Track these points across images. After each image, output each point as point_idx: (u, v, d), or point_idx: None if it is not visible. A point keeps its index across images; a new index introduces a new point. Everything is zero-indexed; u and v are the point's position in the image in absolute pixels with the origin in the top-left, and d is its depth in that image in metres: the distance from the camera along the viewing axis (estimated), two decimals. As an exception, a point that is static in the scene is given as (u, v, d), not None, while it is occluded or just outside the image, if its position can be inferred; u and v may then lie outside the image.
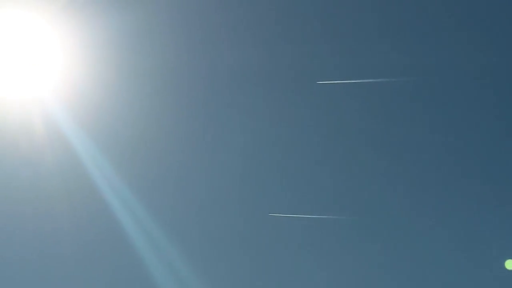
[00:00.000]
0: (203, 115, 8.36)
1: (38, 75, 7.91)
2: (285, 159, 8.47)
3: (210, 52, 8.14)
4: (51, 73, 7.95)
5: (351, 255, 8.44)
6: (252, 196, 8.50)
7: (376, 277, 8.34)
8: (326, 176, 8.52)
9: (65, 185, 8.04)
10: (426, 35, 8.32)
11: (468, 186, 8.43)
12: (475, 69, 8.21)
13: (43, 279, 8.21)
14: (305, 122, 8.51)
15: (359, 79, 8.26)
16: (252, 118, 8.36)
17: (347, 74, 8.28)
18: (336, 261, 8.44)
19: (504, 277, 8.13)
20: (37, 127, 7.91)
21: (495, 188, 8.40)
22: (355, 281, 8.36)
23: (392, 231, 8.42)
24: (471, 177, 8.45)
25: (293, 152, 8.52)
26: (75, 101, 8.01)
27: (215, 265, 8.34)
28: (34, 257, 8.18)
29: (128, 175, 8.17)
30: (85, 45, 7.83)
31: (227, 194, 8.43)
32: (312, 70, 8.25)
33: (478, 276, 8.23)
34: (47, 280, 8.23)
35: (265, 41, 8.29)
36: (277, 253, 8.47)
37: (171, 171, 8.35)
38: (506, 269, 8.10)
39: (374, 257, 8.41)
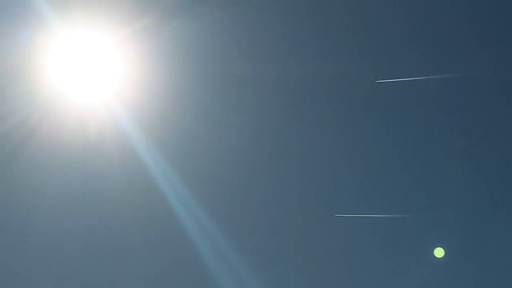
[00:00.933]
0: (266, 118, 8.44)
1: (104, 81, 8.16)
2: (349, 160, 8.61)
3: (273, 57, 8.28)
4: (117, 80, 8.18)
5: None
6: (318, 197, 8.61)
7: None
8: (390, 175, 8.61)
9: (130, 189, 8.25)
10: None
11: None
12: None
13: (104, 280, 8.47)
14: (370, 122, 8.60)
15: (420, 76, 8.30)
16: (315, 122, 8.49)
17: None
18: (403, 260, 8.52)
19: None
20: (101, 132, 8.14)
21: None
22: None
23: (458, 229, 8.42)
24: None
25: (355, 153, 8.63)
26: (140, 107, 8.20)
27: (279, 269, 8.49)
28: (97, 258, 8.41)
29: (192, 180, 8.31)
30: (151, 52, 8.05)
31: (290, 196, 8.56)
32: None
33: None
34: (109, 281, 8.48)
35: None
36: (343, 254, 8.61)
37: (233, 173, 8.48)
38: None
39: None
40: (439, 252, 8.30)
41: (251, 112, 8.33)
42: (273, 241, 8.59)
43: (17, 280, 8.31)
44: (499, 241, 8.44)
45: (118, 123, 8.19)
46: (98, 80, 8.20)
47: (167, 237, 8.40)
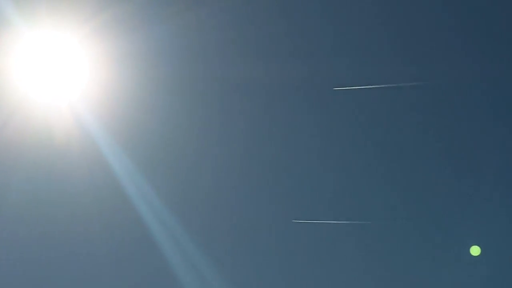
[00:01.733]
0: (236, 127, 8.42)
1: (68, 82, 8.04)
2: (306, 165, 8.53)
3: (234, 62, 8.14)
4: (82, 80, 8.07)
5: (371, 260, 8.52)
6: (275, 203, 8.56)
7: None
8: (345, 182, 8.57)
9: (95, 193, 8.14)
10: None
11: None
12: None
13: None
14: (324, 129, 8.56)
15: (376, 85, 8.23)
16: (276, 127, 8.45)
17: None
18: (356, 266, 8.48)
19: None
20: (66, 134, 8.02)
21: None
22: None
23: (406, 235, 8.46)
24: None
25: (315, 158, 8.53)
26: (105, 108, 8.09)
27: (240, 271, 8.46)
28: (67, 265, 8.34)
29: (159, 183, 8.26)
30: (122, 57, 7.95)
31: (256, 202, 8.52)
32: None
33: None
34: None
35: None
36: (300, 259, 8.57)
37: (203, 175, 8.42)
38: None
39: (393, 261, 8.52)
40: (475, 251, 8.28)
41: (221, 112, 8.27)
42: (240, 246, 8.55)
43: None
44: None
45: (83, 124, 8.08)
46: (62, 81, 8.08)
47: (133, 242, 8.32)
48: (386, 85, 8.28)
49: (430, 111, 8.42)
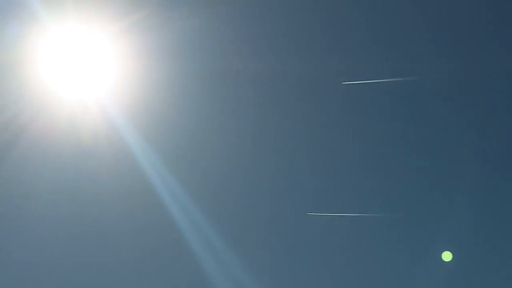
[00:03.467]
0: (257, 118, 8.46)
1: (96, 78, 8.12)
2: (321, 159, 8.69)
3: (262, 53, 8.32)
4: (110, 76, 8.13)
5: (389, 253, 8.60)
6: (292, 196, 8.67)
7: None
8: (363, 175, 8.70)
9: (123, 188, 8.18)
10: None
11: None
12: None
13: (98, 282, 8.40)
14: (334, 121, 8.66)
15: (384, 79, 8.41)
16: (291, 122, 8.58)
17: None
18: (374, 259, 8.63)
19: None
20: (94, 130, 8.06)
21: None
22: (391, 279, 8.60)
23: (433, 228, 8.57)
24: None
25: (328, 152, 8.66)
26: (133, 104, 8.14)
27: (265, 264, 8.55)
28: (92, 260, 8.33)
29: (186, 179, 8.26)
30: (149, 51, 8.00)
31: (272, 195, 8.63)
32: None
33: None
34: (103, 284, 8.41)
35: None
36: (316, 252, 8.66)
37: (229, 172, 8.47)
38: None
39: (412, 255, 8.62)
40: (447, 256, 8.35)
41: (247, 109, 8.37)
42: (264, 240, 8.65)
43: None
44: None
45: (111, 120, 8.13)
46: (90, 77, 8.14)
47: (162, 236, 8.34)
48: (392, 79, 8.49)
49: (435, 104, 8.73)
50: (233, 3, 8.21)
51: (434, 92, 8.66)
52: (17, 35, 7.80)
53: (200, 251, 8.37)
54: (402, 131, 8.71)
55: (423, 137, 8.65)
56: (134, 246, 8.31)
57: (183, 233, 8.33)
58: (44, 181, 8.17)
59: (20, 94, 7.97)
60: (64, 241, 8.26)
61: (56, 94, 8.14)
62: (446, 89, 8.67)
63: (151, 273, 8.42)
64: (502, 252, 8.48)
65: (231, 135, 8.46)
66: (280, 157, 8.62)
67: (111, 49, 8.03)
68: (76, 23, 7.89)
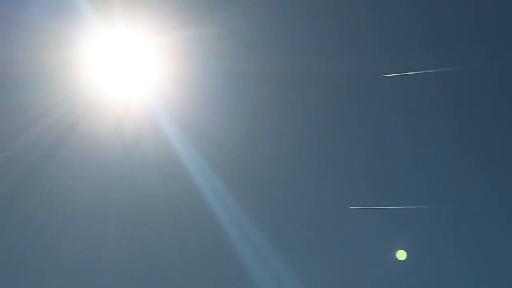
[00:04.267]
0: (302, 118, 8.55)
1: (143, 79, 8.22)
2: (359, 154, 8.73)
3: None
4: (157, 78, 8.22)
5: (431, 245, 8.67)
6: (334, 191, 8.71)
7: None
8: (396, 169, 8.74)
9: (167, 188, 8.26)
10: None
11: None
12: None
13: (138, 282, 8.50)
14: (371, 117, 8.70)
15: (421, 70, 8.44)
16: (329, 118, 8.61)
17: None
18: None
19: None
20: (140, 130, 8.19)
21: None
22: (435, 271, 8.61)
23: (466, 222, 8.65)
24: None
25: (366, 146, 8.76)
26: (179, 106, 8.22)
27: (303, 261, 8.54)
28: (133, 258, 8.41)
29: (230, 179, 8.33)
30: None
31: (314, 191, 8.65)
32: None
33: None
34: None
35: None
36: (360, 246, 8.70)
37: (274, 173, 8.51)
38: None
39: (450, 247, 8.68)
40: (401, 255, 8.43)
41: (294, 109, 8.44)
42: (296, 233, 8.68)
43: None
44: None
45: (158, 121, 8.24)
46: (135, 78, 8.26)
47: (204, 239, 8.45)
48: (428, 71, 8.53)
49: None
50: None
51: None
52: (66, 35, 7.92)
53: (244, 252, 8.45)
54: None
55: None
56: (178, 246, 8.43)
57: (228, 235, 8.42)
58: (91, 181, 8.30)
59: (69, 94, 8.10)
60: (116, 239, 8.41)
61: (104, 95, 8.27)
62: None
63: (195, 274, 8.49)
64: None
65: (277, 135, 8.55)
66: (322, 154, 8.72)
67: (159, 50, 8.12)
68: (124, 24, 7.99)
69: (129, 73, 8.25)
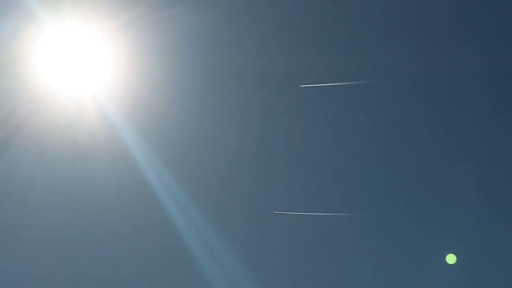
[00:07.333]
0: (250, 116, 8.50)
1: (93, 75, 8.09)
2: (286, 159, 8.66)
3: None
4: (107, 74, 8.12)
5: (355, 253, 8.59)
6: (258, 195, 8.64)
7: (379, 276, 8.55)
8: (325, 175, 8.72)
9: (120, 187, 8.13)
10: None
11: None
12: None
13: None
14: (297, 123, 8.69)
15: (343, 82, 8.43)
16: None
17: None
18: (341, 259, 8.58)
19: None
20: (90, 128, 8.04)
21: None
22: (359, 280, 8.53)
23: (394, 229, 8.59)
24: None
25: (295, 151, 8.70)
26: (129, 101, 8.11)
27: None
28: (89, 260, 8.28)
29: (182, 176, 8.23)
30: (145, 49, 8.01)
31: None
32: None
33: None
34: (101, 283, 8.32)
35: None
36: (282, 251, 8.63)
37: (227, 171, 8.42)
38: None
39: (377, 255, 8.60)
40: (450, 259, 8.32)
41: (243, 107, 8.37)
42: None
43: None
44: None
45: (107, 118, 8.11)
46: (87, 74, 8.12)
47: (159, 236, 8.32)
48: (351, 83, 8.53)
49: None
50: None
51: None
52: (14, 32, 7.76)
53: (199, 251, 8.36)
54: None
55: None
56: (132, 247, 8.27)
57: (181, 234, 8.33)
58: (40, 179, 8.08)
59: (17, 92, 7.92)
60: (59, 242, 8.20)
61: (52, 91, 8.09)
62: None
63: (149, 276, 8.38)
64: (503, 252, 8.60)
65: (229, 134, 8.47)
66: (279, 156, 8.69)
67: (108, 46, 8.04)
68: (73, 20, 7.88)
69: (77, 70, 8.12)
